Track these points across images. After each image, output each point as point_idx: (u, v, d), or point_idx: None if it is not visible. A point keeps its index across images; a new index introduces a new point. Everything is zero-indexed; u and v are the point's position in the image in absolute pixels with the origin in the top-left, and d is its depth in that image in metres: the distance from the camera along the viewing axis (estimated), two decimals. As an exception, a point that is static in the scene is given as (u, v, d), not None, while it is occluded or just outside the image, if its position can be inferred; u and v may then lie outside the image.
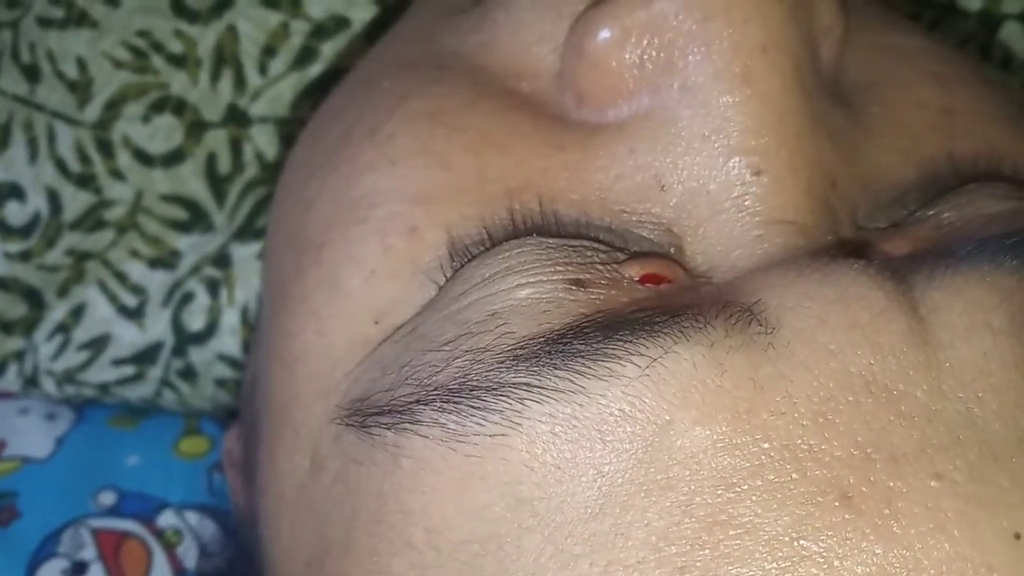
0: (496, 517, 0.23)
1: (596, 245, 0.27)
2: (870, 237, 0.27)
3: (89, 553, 0.43)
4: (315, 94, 0.45)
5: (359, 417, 0.26)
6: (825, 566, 0.21)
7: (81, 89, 0.45)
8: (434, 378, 0.25)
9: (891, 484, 0.22)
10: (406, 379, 0.26)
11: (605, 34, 0.28)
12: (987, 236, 0.25)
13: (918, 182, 0.28)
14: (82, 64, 0.45)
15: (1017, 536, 0.22)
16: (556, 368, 0.24)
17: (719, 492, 0.22)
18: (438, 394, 0.25)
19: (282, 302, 0.31)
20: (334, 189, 0.30)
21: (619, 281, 0.26)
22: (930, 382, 0.23)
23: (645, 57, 0.28)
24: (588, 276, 0.26)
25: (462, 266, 0.27)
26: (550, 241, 0.26)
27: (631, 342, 0.23)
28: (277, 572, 0.30)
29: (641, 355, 0.23)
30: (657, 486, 0.22)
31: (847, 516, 0.22)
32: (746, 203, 0.27)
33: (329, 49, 0.45)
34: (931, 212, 0.28)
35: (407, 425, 0.25)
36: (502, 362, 0.24)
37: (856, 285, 0.24)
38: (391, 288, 0.28)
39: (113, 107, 0.45)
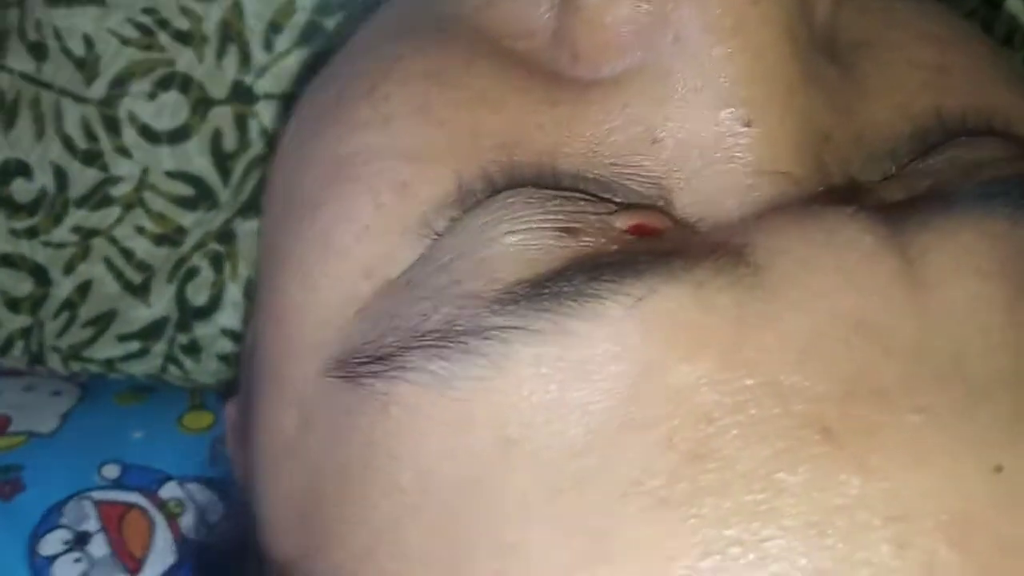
0: (484, 458, 0.24)
1: (588, 196, 0.27)
2: (864, 187, 0.27)
3: (92, 524, 0.43)
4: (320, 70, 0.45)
5: (348, 368, 0.26)
6: (803, 497, 0.21)
7: (88, 66, 0.45)
8: (421, 325, 0.25)
9: (872, 418, 0.22)
10: (394, 328, 0.26)
11: None
12: (980, 182, 0.25)
13: (911, 135, 0.28)
14: (89, 41, 0.45)
15: (998, 469, 0.22)
16: (542, 310, 0.24)
17: (700, 427, 0.22)
18: (425, 340, 0.25)
19: (276, 262, 0.31)
20: (328, 148, 0.30)
21: (609, 230, 0.26)
22: (917, 321, 0.23)
23: (639, 11, 0.28)
24: (578, 225, 0.26)
25: (455, 220, 0.27)
26: (543, 192, 0.26)
27: (617, 282, 0.23)
28: (271, 529, 0.30)
29: (627, 294, 0.23)
30: (642, 423, 0.22)
31: (826, 449, 0.22)
32: (736, 154, 0.27)
33: (334, 25, 0.45)
34: (924, 164, 0.28)
35: (395, 373, 0.25)
36: (488, 306, 0.24)
37: (845, 228, 0.24)
38: (382, 244, 0.28)
39: (119, 84, 0.45)
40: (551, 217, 0.26)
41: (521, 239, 0.25)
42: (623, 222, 0.26)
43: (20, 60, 0.46)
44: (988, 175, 0.26)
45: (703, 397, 0.22)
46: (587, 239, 0.25)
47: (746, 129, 0.27)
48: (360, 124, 0.30)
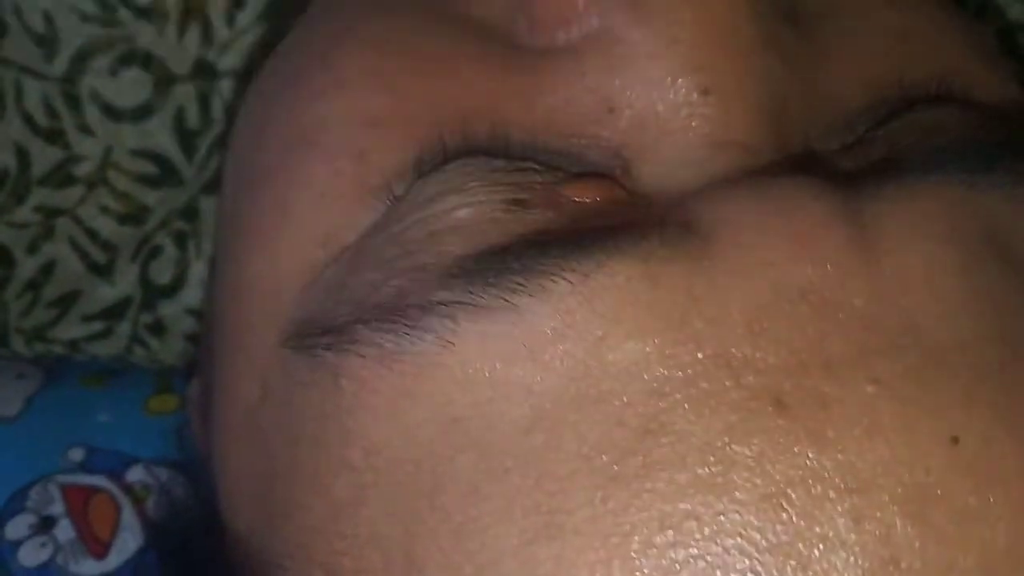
0: (430, 437, 0.23)
1: (539, 167, 0.26)
2: (822, 157, 0.27)
3: (57, 508, 0.42)
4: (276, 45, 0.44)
5: (301, 339, 0.26)
6: (757, 469, 0.21)
7: (48, 43, 0.45)
8: (371, 297, 0.25)
9: (826, 389, 0.22)
10: (345, 299, 0.25)
11: None
12: (936, 147, 0.25)
13: (871, 104, 0.28)
14: (48, 17, 0.45)
15: (955, 440, 0.21)
16: (489, 286, 0.23)
17: (652, 402, 0.22)
18: (374, 313, 0.24)
19: (235, 232, 0.31)
20: (284, 119, 0.30)
21: (559, 201, 0.25)
22: (869, 289, 0.23)
23: None
24: (528, 196, 0.25)
25: (409, 187, 0.27)
26: (495, 161, 0.26)
27: (563, 258, 0.23)
28: (230, 505, 0.30)
29: (573, 270, 0.23)
30: (589, 400, 0.22)
31: (780, 421, 0.21)
32: (693, 124, 0.26)
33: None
34: (882, 131, 0.27)
35: (345, 345, 0.25)
36: (436, 280, 0.24)
37: (795, 197, 0.24)
38: (338, 210, 0.27)
39: (80, 61, 0.45)
40: (501, 188, 0.25)
41: (470, 212, 0.25)
42: (574, 192, 0.26)
43: (-21, 37, 0.45)
44: (944, 141, 0.26)
45: (653, 372, 0.22)
46: (536, 211, 0.25)
47: (703, 98, 0.26)
48: (315, 93, 0.29)
